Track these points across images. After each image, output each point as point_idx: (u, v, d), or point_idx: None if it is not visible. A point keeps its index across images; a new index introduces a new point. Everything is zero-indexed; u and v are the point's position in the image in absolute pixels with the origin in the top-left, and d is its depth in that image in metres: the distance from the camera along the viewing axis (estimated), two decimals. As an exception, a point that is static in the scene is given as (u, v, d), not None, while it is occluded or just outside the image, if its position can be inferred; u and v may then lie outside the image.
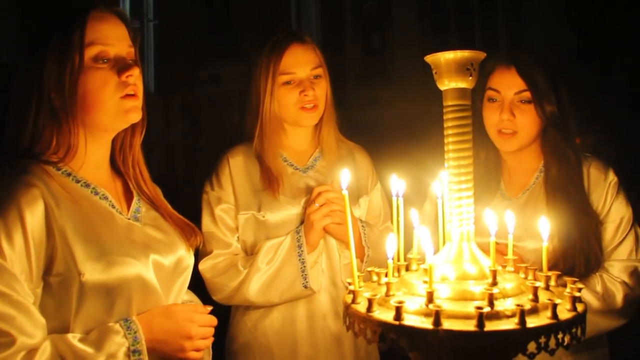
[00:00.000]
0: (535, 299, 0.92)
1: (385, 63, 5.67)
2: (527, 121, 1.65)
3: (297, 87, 1.70)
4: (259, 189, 1.72)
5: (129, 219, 1.25)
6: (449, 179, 1.03)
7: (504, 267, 1.10)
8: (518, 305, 0.86)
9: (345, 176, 0.99)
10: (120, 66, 1.18)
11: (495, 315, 0.88)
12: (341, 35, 5.82)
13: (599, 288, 1.60)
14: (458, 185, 1.03)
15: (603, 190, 1.66)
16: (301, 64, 1.72)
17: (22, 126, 1.16)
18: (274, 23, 5.65)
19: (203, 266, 1.69)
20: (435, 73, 1.03)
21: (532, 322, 0.86)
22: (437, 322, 0.85)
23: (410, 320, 0.88)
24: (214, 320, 1.28)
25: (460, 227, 1.03)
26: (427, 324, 0.86)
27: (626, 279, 1.61)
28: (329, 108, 1.79)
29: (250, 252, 1.72)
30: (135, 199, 1.30)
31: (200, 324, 1.23)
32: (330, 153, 1.79)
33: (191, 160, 5.23)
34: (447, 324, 0.85)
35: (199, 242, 1.37)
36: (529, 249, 1.60)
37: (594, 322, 1.58)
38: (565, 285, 1.03)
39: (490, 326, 0.85)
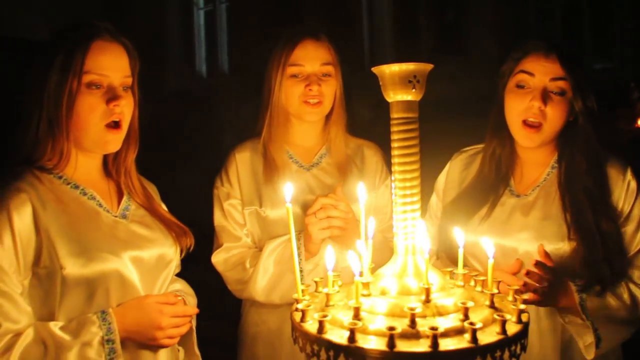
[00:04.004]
0: (465, 318, 0.91)
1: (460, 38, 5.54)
2: (556, 114, 1.53)
3: (304, 80, 1.72)
4: (261, 182, 1.76)
5: (116, 216, 1.38)
6: (395, 191, 1.03)
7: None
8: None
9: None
10: (110, 95, 1.31)
11: (415, 335, 0.88)
12: (414, 12, 5.72)
13: (625, 296, 1.50)
14: (403, 199, 1.02)
15: (622, 190, 1.54)
16: (311, 58, 1.73)
17: (25, 135, 1.32)
18: (342, 2, 5.62)
19: (215, 259, 1.77)
20: (382, 85, 1.02)
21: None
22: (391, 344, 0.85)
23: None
24: (187, 310, 1.37)
25: (405, 240, 1.03)
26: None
27: None
28: (338, 109, 1.79)
29: (258, 246, 1.78)
30: (125, 197, 1.43)
31: (171, 315, 1.32)
32: (337, 151, 1.80)
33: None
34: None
35: (189, 244, 1.48)
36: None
37: (619, 331, 1.49)
38: (514, 300, 1.01)
39: (403, 346, 0.85)
